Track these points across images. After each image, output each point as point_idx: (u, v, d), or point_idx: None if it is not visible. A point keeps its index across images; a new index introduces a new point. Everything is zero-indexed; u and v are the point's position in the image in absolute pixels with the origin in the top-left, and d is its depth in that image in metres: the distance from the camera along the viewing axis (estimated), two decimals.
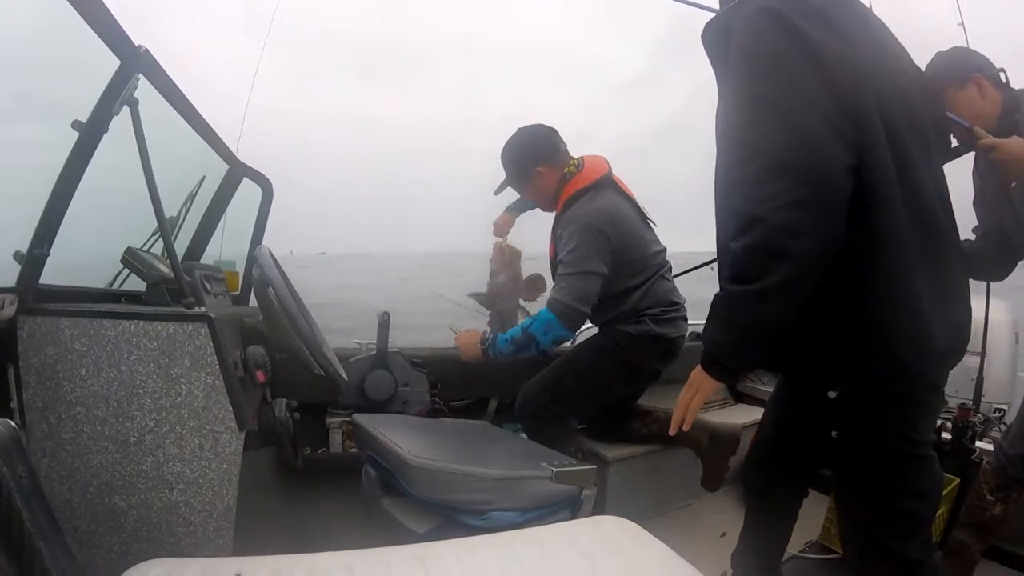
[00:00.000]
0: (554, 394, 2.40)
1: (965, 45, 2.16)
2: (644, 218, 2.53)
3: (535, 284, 2.72)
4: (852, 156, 1.16)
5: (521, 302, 2.75)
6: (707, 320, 1.31)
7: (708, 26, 1.38)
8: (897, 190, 1.24)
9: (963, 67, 1.95)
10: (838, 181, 1.14)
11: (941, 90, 1.94)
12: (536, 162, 2.42)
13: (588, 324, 2.56)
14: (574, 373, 2.43)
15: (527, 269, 2.73)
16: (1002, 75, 1.94)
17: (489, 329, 2.67)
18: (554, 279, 2.41)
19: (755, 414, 3.42)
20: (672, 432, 1.44)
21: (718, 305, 1.28)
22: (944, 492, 2.39)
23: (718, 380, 1.34)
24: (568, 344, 2.78)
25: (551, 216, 2.54)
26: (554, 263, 2.42)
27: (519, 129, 2.47)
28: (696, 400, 1.38)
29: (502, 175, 2.54)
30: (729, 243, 1.22)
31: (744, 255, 1.18)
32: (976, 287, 1.98)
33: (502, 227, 2.79)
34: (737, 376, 1.69)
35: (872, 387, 1.34)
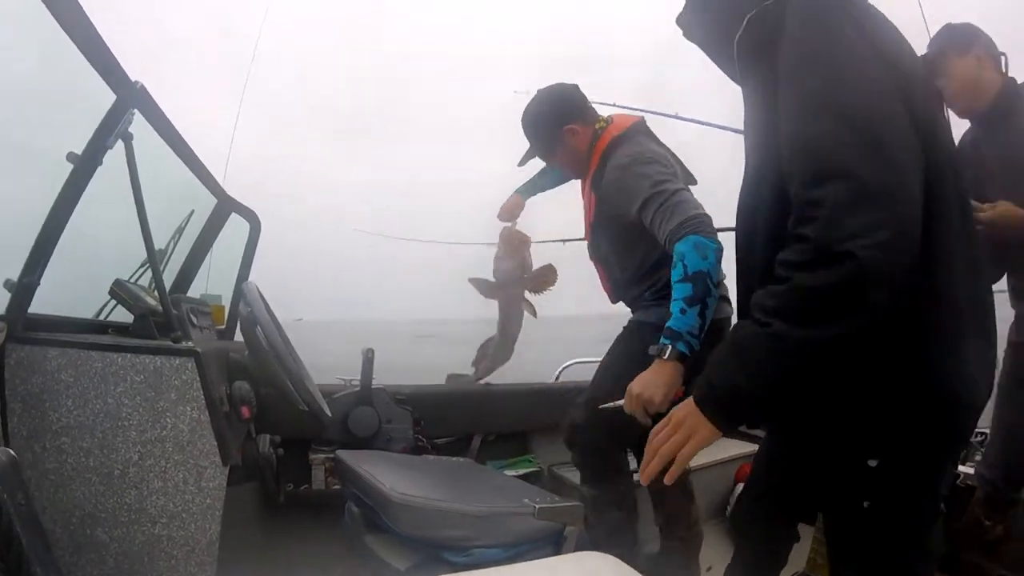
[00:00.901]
0: (606, 418, 1.89)
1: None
2: (687, 172, 2.10)
3: (544, 277, 2.55)
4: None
5: (527, 294, 2.60)
6: (722, 355, 1.07)
7: (749, 25, 1.17)
8: (958, 221, 1.06)
9: (969, 37, 1.98)
10: (918, 217, 0.94)
11: (941, 54, 1.97)
12: (568, 119, 2.07)
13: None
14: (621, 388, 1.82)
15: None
16: (1003, 59, 1.98)
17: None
18: (591, 249, 2.16)
19: (743, 447, 3.44)
20: (645, 482, 1.17)
21: (749, 342, 1.02)
22: None
23: (718, 429, 1.07)
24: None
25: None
26: (593, 226, 2.08)
27: (539, 91, 2.15)
28: (688, 449, 1.10)
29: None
30: (789, 272, 0.98)
31: (815, 294, 0.95)
32: None
33: (511, 210, 2.52)
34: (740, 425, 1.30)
35: (922, 450, 1.11)
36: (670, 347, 1.65)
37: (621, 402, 1.67)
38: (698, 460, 2.23)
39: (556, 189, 2.53)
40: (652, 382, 1.65)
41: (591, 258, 2.21)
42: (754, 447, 3.44)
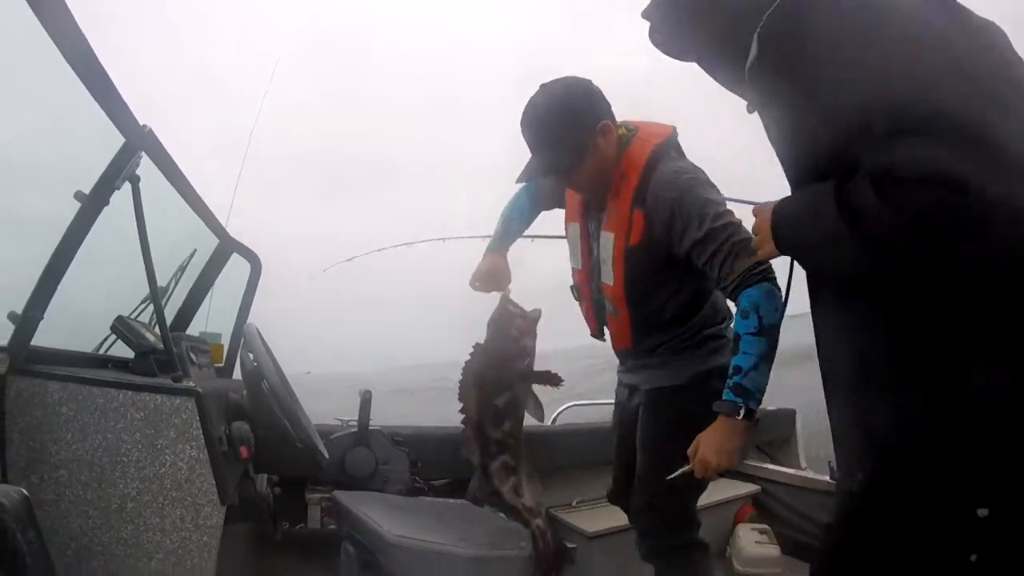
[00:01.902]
0: (673, 504, 1.82)
1: None
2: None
3: (550, 380, 1.76)
4: None
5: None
6: (799, 206, 1.09)
7: (771, 18, 1.12)
8: None
9: None
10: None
11: None
12: (600, 116, 1.68)
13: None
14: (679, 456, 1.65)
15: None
16: None
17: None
18: (608, 281, 1.78)
19: (740, 488, 3.43)
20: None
21: (826, 211, 0.99)
22: None
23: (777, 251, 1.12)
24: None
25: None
26: (630, 251, 1.72)
27: (544, 86, 1.68)
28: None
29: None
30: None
31: (894, 211, 0.90)
32: None
33: (495, 277, 1.91)
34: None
35: None
36: (743, 406, 1.49)
37: (688, 468, 1.57)
38: (700, 500, 2.23)
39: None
40: (725, 446, 1.52)
41: (595, 295, 1.88)
42: (755, 488, 3.44)
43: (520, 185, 1.96)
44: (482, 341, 1.71)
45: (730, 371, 1.52)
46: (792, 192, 1.16)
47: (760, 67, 1.14)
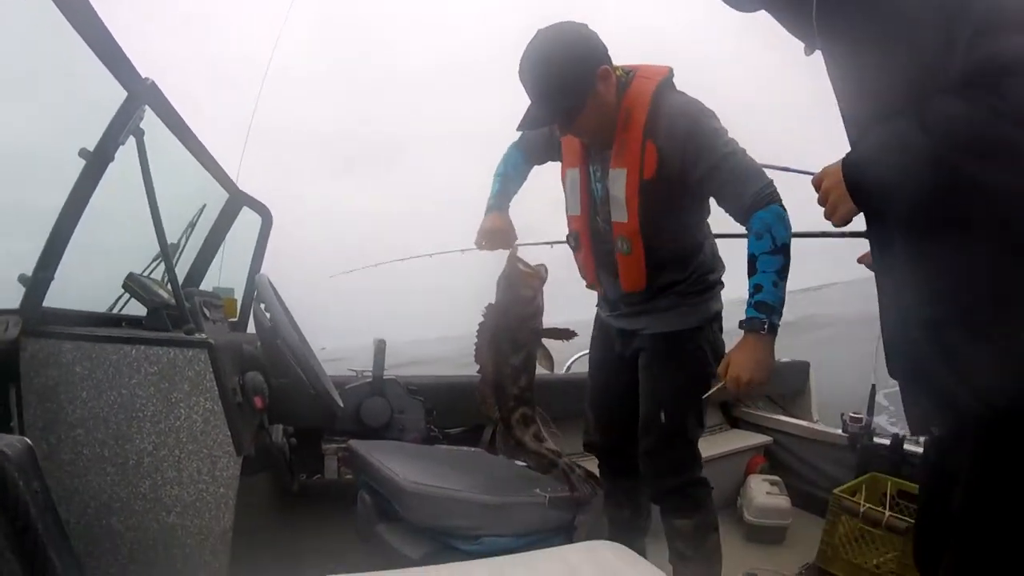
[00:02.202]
0: (684, 444, 1.92)
1: None
2: None
3: (561, 336, 1.83)
4: None
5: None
6: (878, 147, 1.10)
7: None
8: None
9: None
10: None
11: None
12: (600, 60, 1.68)
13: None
14: (694, 412, 1.89)
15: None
16: None
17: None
18: (641, 222, 1.75)
19: (752, 439, 3.46)
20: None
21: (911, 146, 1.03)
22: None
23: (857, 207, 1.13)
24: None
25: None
26: (647, 185, 1.72)
27: (540, 33, 1.65)
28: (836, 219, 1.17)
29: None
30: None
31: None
32: None
33: (501, 235, 1.91)
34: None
35: None
36: (767, 321, 1.56)
37: (721, 385, 1.65)
38: (709, 452, 2.25)
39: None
40: (758, 362, 1.59)
41: (597, 239, 1.90)
42: (767, 439, 3.47)
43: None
44: (493, 301, 1.75)
45: (751, 290, 1.59)
46: (855, 140, 1.18)
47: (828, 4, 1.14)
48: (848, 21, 1.13)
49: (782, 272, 1.57)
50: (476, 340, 1.76)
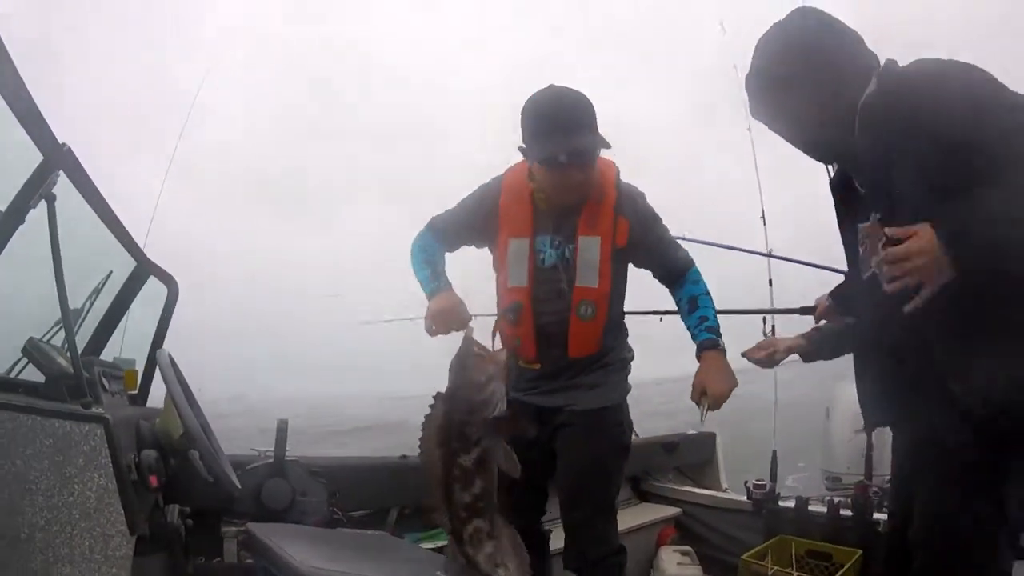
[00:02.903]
0: (611, 515, 2.03)
1: None
2: None
3: (520, 430, 1.69)
4: None
5: None
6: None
7: (872, 111, 1.39)
8: None
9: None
10: None
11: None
12: None
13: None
14: (616, 484, 2.08)
15: None
16: None
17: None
18: (612, 288, 1.95)
19: (662, 511, 3.52)
20: None
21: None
22: (849, 564, 2.54)
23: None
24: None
25: None
26: (618, 255, 1.94)
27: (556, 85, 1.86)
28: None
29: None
30: None
31: None
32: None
33: (458, 315, 1.86)
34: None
35: None
36: (719, 340, 1.91)
37: (707, 406, 1.85)
38: (620, 526, 2.28)
39: None
40: (727, 372, 1.86)
41: (548, 310, 1.95)
42: (676, 510, 3.53)
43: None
44: (443, 390, 1.59)
45: (696, 321, 1.94)
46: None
47: (863, 137, 1.40)
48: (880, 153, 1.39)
49: (714, 309, 1.97)
50: (421, 435, 1.59)
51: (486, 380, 1.55)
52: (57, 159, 1.50)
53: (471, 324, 1.83)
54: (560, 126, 1.78)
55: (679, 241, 2.09)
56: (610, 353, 2.02)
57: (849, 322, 1.92)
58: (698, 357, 1.90)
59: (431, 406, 1.57)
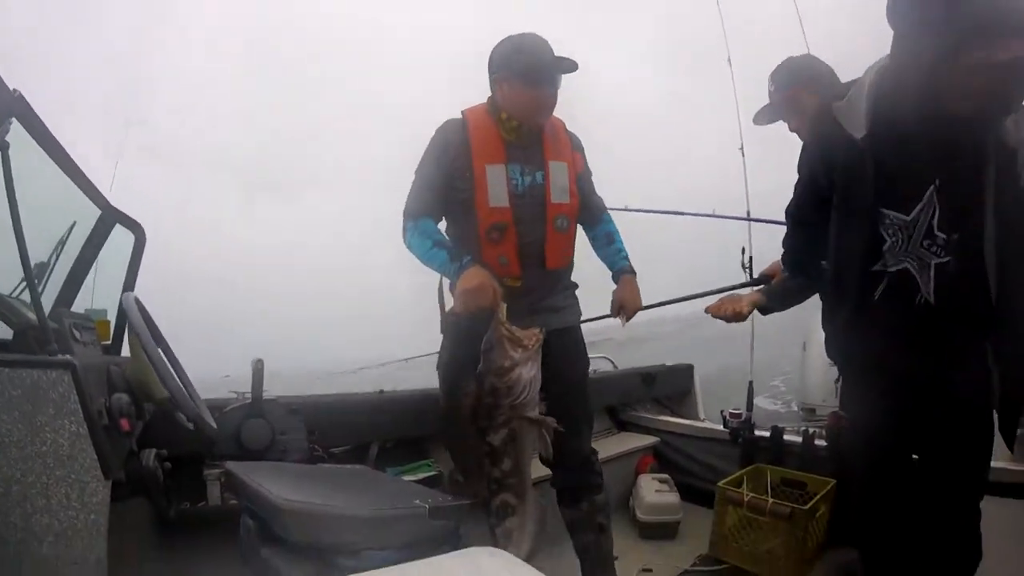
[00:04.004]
0: (590, 436, 2.36)
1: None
2: None
3: (543, 426, 1.78)
4: None
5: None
6: None
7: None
8: None
9: (816, 74, 2.17)
10: None
11: (795, 93, 2.16)
12: None
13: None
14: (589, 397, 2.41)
15: None
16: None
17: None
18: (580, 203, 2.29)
19: (641, 440, 3.61)
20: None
21: None
22: (823, 493, 2.62)
23: None
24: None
25: None
26: (576, 177, 2.27)
27: None
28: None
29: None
30: None
31: None
32: None
33: (488, 286, 1.90)
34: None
35: None
36: (631, 267, 2.40)
37: (623, 315, 2.34)
38: (603, 454, 2.37)
39: None
40: (637, 294, 2.34)
41: (529, 226, 2.15)
42: (655, 439, 3.61)
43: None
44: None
45: (614, 252, 2.42)
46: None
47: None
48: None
49: (623, 243, 2.44)
50: (455, 413, 1.72)
51: (507, 364, 1.66)
52: (8, 105, 1.45)
53: (503, 304, 1.86)
54: (543, 47, 2.09)
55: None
56: (569, 276, 2.35)
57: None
58: (616, 280, 2.39)
59: (465, 387, 1.71)
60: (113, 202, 2.28)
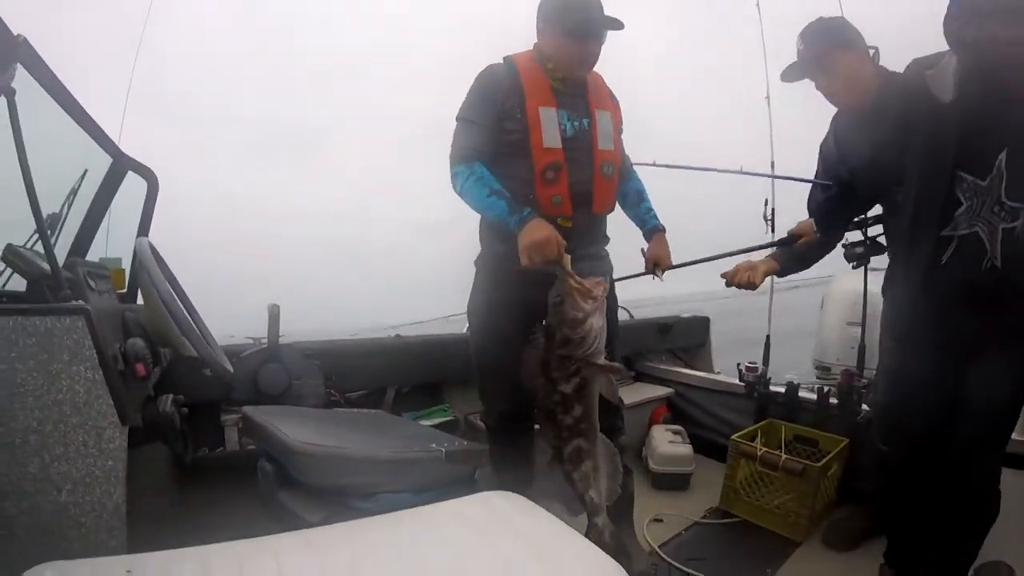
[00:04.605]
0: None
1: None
2: None
3: (614, 372, 1.78)
4: None
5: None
6: None
7: None
8: None
9: (850, 33, 2.11)
10: None
11: (825, 51, 2.08)
12: None
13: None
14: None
15: None
16: (875, 53, 2.11)
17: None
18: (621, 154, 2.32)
19: (655, 391, 3.61)
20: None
21: None
22: (836, 452, 2.62)
23: None
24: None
25: None
26: (616, 128, 2.29)
27: None
28: None
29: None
30: None
31: None
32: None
33: (552, 239, 1.84)
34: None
35: None
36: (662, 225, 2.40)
37: (659, 271, 2.33)
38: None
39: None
40: (669, 251, 2.34)
41: (579, 168, 2.14)
42: (669, 390, 3.61)
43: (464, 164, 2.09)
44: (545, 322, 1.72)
45: (645, 211, 2.41)
46: None
47: None
48: None
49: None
50: (525, 366, 1.73)
51: (579, 315, 1.65)
52: (12, 50, 1.42)
53: (567, 255, 1.80)
54: (590, 2, 2.08)
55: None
56: (606, 225, 2.34)
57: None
58: (648, 238, 2.38)
59: (532, 337, 1.72)
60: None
